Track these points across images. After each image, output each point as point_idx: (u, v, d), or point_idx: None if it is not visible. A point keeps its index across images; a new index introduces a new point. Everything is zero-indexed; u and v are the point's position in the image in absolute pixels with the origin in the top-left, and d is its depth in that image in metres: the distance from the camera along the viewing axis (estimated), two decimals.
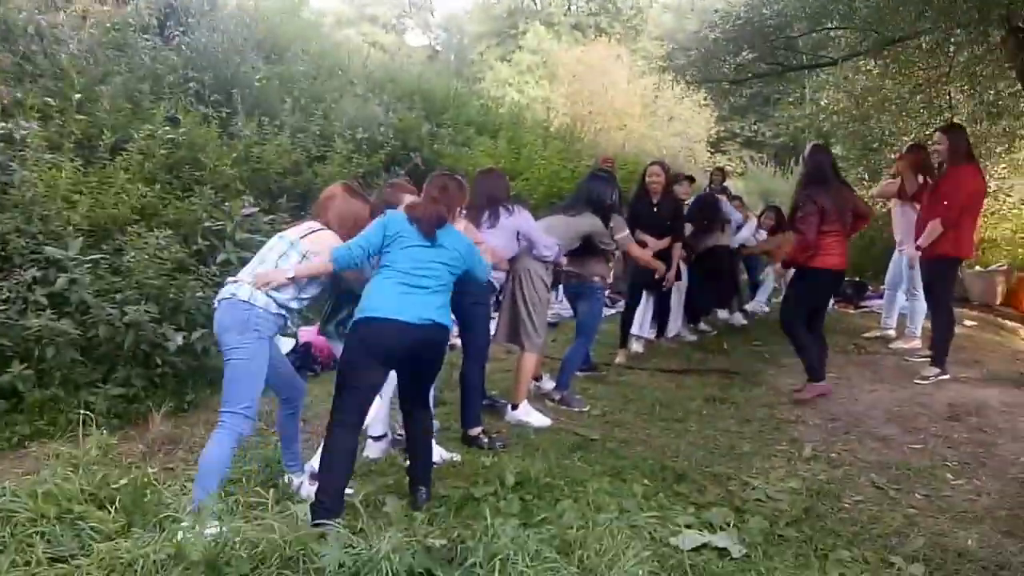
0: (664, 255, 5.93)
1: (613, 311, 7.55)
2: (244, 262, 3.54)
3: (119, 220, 5.09)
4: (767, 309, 8.54)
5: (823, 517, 3.17)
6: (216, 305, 3.05)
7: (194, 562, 2.19)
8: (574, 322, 5.33)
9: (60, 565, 2.27)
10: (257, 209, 5.65)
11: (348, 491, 2.95)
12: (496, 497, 3.09)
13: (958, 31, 8.38)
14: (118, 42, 7.70)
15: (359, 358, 2.94)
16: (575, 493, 3.14)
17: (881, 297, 7.20)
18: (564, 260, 4.63)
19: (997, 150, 10.88)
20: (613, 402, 4.96)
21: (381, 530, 2.62)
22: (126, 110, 6.45)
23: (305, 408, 3.75)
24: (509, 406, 4.54)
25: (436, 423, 4.04)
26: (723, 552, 2.73)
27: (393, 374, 3.70)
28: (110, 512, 2.58)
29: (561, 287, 5.34)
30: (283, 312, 3.04)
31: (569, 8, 29.87)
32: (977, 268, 9.93)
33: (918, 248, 5.25)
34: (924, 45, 9.45)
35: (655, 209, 5.91)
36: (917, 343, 6.25)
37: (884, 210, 7.53)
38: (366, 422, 3.63)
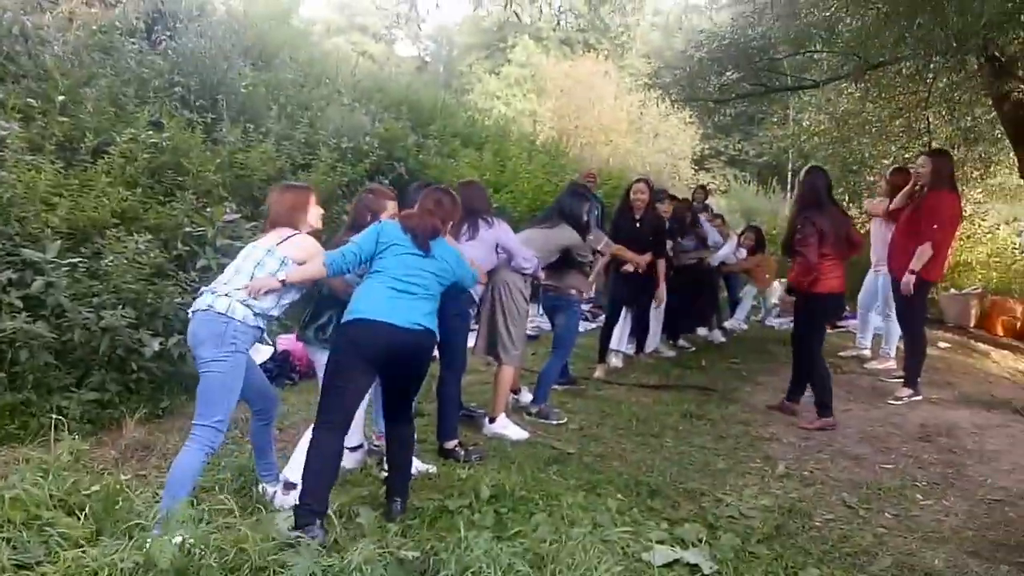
0: (649, 273, 6.00)
1: (593, 325, 7.59)
2: (224, 268, 3.53)
3: (99, 223, 5.04)
4: (745, 327, 8.63)
5: (794, 535, 3.20)
6: (191, 315, 3.00)
7: (163, 571, 2.17)
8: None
9: (25, 572, 2.24)
10: (239, 215, 5.63)
11: None
12: (471, 510, 3.10)
13: (937, 58, 8.54)
14: (104, 45, 7.67)
15: (348, 359, 2.95)
16: (550, 507, 3.15)
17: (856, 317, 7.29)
18: (542, 274, 4.66)
19: (973, 175, 11.08)
20: (591, 416, 4.98)
21: (354, 541, 2.63)
22: (110, 113, 6.41)
23: (281, 417, 3.74)
24: (487, 419, 4.54)
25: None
26: (694, 568, 2.75)
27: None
28: (79, 519, 2.55)
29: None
30: (260, 324, 3.02)
31: (558, 23, 30.06)
32: (952, 291, 10.10)
33: (912, 272, 5.18)
34: (904, 71, 9.62)
35: (637, 225, 5.97)
36: (892, 364, 6.34)
37: (863, 231, 7.65)
38: None
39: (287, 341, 5.30)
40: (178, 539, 2.30)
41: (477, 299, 4.31)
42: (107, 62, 7.36)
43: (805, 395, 5.13)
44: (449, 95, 15.84)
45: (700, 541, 2.97)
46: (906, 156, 10.48)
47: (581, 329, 5.86)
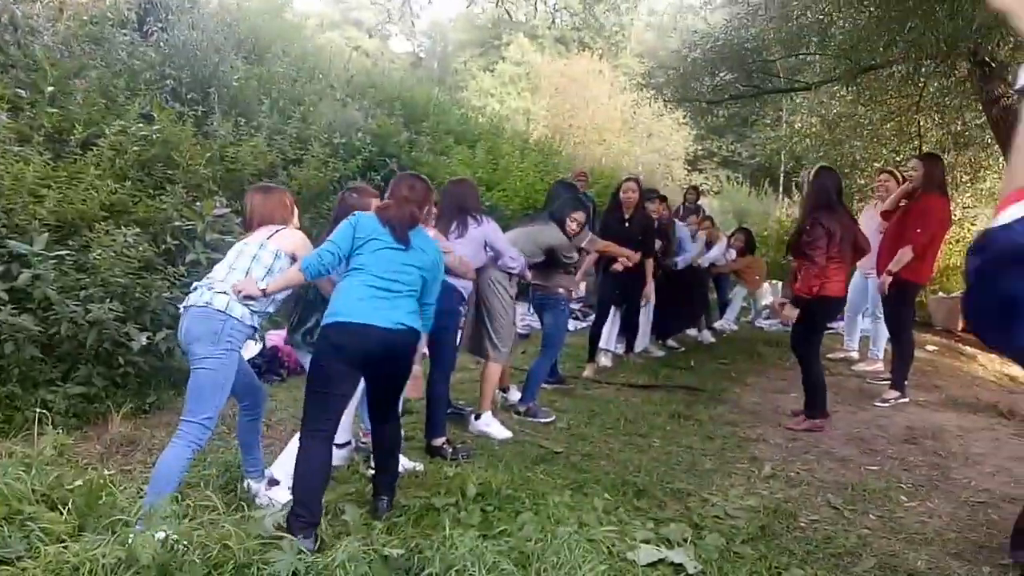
0: (637, 272, 6.01)
1: (583, 324, 7.60)
2: (213, 263, 3.50)
3: (87, 216, 5.00)
4: (735, 327, 8.66)
5: (779, 535, 3.21)
6: (183, 310, 2.96)
7: (145, 566, 2.16)
8: None
9: (5, 567, 2.23)
10: (229, 210, 5.58)
11: None
12: (457, 508, 3.10)
13: (928, 62, 8.60)
14: (95, 35, 7.60)
15: (331, 364, 2.85)
16: (536, 505, 3.15)
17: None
18: (529, 273, 4.66)
19: (963, 179, 11.16)
20: (579, 415, 4.99)
21: (339, 538, 2.62)
22: (99, 105, 6.35)
23: (269, 413, 3.73)
24: (473, 415, 4.55)
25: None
26: (679, 568, 2.76)
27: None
28: (62, 514, 2.54)
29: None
30: (255, 324, 3.01)
31: (553, 22, 30.06)
32: (940, 294, 10.17)
33: (889, 273, 5.25)
34: (896, 74, 9.69)
35: (626, 224, 5.98)
36: (879, 366, 6.37)
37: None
38: None
39: (276, 337, 5.28)
40: (161, 535, 2.28)
41: (466, 296, 4.30)
42: (98, 53, 7.30)
43: (795, 395, 5.13)
44: (443, 92, 15.80)
45: (685, 541, 2.98)
46: (897, 159, 10.54)
47: (571, 328, 5.88)
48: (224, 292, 2.91)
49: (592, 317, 6.89)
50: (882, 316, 5.96)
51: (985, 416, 5.33)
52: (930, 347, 7.63)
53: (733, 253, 8.58)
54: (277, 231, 3.14)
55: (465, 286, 4.16)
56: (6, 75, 6.15)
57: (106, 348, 4.34)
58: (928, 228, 5.21)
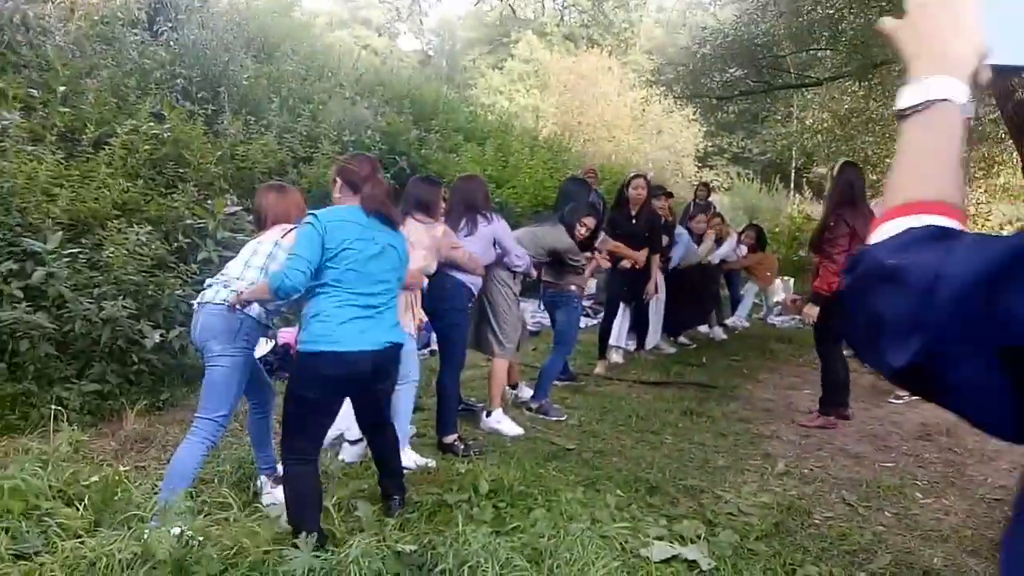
0: (645, 269, 6.00)
1: (594, 322, 7.59)
2: (225, 261, 3.51)
3: (99, 215, 5.04)
4: (747, 324, 8.62)
5: (792, 532, 3.20)
6: (197, 307, 2.96)
7: (161, 561, 2.17)
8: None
9: (23, 562, 2.24)
10: (240, 208, 5.61)
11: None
12: (469, 504, 3.10)
13: None
14: (106, 35, 7.65)
15: (320, 395, 2.69)
16: (548, 502, 3.14)
17: None
18: (534, 272, 4.65)
19: (977, 175, 11.08)
20: (590, 412, 4.98)
21: (352, 534, 2.63)
22: (111, 104, 6.40)
23: (278, 409, 3.73)
24: (484, 412, 4.55)
25: (412, 428, 4.06)
26: (692, 565, 2.74)
27: None
28: (78, 509, 2.56)
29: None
30: (270, 323, 3.02)
31: (562, 18, 30.04)
32: None
33: None
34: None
35: (633, 220, 5.97)
36: None
37: None
38: (344, 426, 3.63)
39: (287, 334, 5.30)
40: (176, 530, 2.30)
41: (476, 293, 4.30)
42: (109, 53, 7.35)
43: (808, 391, 5.10)
44: (452, 90, 15.82)
45: (699, 538, 2.96)
46: None
47: (582, 325, 5.87)
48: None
49: (602, 314, 6.88)
50: None
51: None
52: None
53: (744, 249, 8.55)
54: (292, 229, 3.14)
55: (475, 282, 4.15)
56: (18, 75, 6.20)
57: (120, 345, 4.37)
58: None
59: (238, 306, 2.84)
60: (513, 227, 4.62)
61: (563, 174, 10.78)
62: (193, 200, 5.60)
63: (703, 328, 7.93)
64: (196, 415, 2.87)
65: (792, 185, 20.03)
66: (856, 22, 8.83)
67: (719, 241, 8.05)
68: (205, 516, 2.51)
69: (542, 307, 5.16)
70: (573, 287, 4.95)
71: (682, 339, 7.50)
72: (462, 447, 4.00)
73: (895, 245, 0.60)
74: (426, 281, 3.86)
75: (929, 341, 0.54)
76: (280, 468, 3.30)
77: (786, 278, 9.90)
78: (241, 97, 8.12)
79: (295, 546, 2.33)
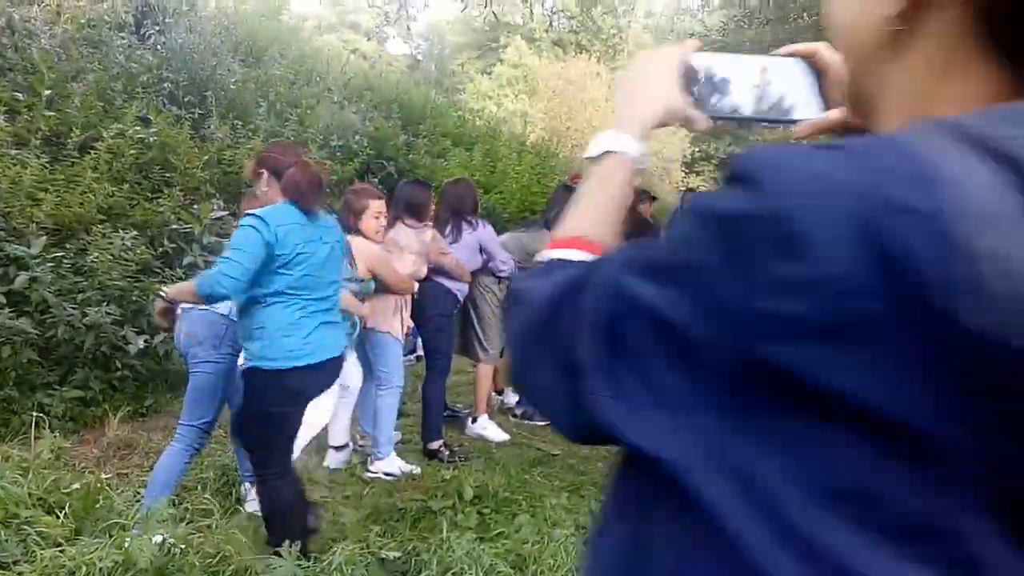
0: None
1: None
2: (210, 266, 3.49)
3: (84, 219, 5.01)
4: None
5: None
6: (181, 312, 2.92)
7: (142, 570, 2.17)
8: None
9: (2, 571, 2.23)
10: (227, 213, 5.59)
11: None
12: (454, 510, 3.11)
13: None
14: (92, 39, 7.61)
15: (293, 408, 2.60)
16: (533, 508, 3.16)
17: None
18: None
19: None
20: None
21: (336, 541, 2.63)
22: (97, 108, 6.36)
23: None
24: (469, 418, 4.56)
25: (398, 434, 4.06)
26: None
27: (355, 380, 3.70)
28: (59, 517, 2.54)
29: None
30: None
31: (550, 24, 30.18)
32: None
33: None
34: None
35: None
36: None
37: None
38: (328, 432, 3.63)
39: None
40: (158, 538, 2.29)
41: (461, 299, 4.31)
42: (95, 56, 7.31)
43: None
44: (440, 94, 15.83)
45: None
46: None
47: None
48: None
49: None
50: None
51: None
52: None
53: None
54: None
55: (460, 289, 4.17)
56: (3, 78, 6.15)
57: (103, 351, 4.34)
58: None
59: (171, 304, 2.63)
60: (500, 232, 4.64)
61: (551, 179, 10.81)
62: (179, 205, 5.57)
63: None
64: (180, 422, 2.86)
65: None
66: None
67: None
68: (188, 523, 2.50)
69: None
70: None
71: None
72: (447, 453, 4.01)
73: (535, 272, 0.66)
74: (417, 286, 3.87)
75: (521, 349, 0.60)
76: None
77: None
78: (228, 101, 8.09)
79: (277, 554, 2.33)
